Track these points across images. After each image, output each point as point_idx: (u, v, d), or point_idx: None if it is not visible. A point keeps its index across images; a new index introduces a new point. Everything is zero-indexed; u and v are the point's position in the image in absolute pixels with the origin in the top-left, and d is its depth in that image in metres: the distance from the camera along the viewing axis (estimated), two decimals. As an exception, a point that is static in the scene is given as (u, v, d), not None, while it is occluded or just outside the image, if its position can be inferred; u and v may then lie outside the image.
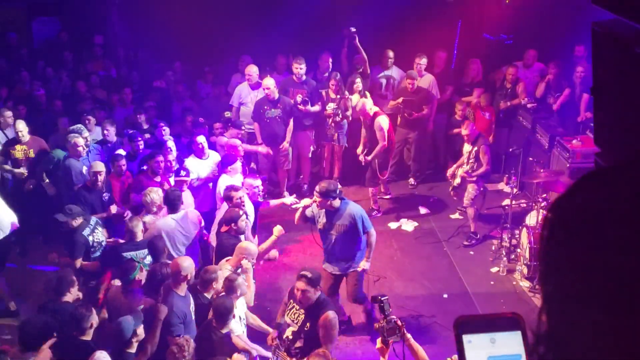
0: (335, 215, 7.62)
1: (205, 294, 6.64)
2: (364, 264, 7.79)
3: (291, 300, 6.43)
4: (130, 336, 5.95)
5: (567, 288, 0.97)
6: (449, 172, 10.17)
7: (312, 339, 6.13)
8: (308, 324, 6.20)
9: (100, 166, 8.77)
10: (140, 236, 7.64)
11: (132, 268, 6.96)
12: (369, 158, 10.40)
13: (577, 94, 11.15)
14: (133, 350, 6.00)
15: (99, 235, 8.02)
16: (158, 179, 9.04)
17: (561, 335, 0.99)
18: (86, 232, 7.89)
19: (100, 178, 8.69)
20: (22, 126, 9.82)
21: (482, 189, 9.90)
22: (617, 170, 1.01)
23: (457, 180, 9.94)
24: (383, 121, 10.19)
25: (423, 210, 10.96)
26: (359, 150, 10.70)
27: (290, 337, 6.28)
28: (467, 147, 9.81)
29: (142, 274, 7.05)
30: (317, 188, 7.64)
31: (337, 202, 7.57)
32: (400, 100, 11.14)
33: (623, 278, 0.91)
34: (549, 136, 10.39)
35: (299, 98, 10.79)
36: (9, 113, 10.28)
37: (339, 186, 7.80)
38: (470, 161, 9.69)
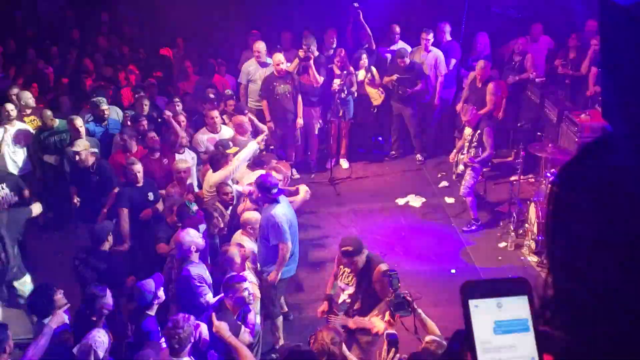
0: (263, 211, 7.25)
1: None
2: (271, 275, 7.14)
3: (341, 266, 6.35)
4: (152, 298, 6.07)
5: (573, 253, 0.98)
6: (451, 157, 10.08)
7: (370, 296, 6.13)
8: (363, 284, 6.16)
9: (79, 145, 8.52)
10: None
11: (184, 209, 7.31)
12: (482, 112, 10.15)
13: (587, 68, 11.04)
14: (153, 312, 6.12)
15: None
16: (157, 155, 8.98)
17: (567, 300, 1.00)
18: None
19: (80, 157, 8.43)
20: (26, 95, 9.93)
21: (480, 176, 9.73)
22: (624, 138, 1.01)
23: (461, 167, 9.80)
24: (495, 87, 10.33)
25: (444, 183, 10.91)
26: (459, 106, 10.79)
27: (348, 300, 6.26)
28: (468, 131, 9.60)
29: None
30: (255, 179, 7.33)
31: (267, 200, 7.11)
32: (394, 77, 11.09)
33: (630, 243, 0.91)
34: (557, 110, 10.31)
35: (301, 53, 10.71)
36: (10, 106, 9.67)
37: (278, 185, 7.18)
38: (473, 145, 9.49)
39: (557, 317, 1.03)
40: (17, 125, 9.54)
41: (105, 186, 8.59)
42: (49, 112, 9.69)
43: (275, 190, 7.05)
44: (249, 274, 6.78)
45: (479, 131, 9.42)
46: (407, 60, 11.00)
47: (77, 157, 8.50)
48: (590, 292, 0.96)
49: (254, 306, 6.48)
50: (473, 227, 9.70)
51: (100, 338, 5.55)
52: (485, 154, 9.43)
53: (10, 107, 9.41)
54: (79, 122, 9.16)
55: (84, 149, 8.55)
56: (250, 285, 6.34)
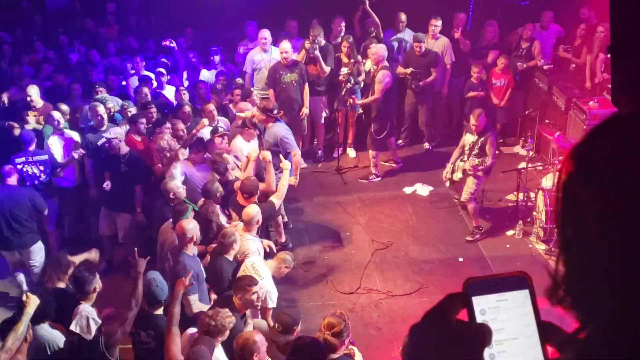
0: (266, 132, 8.73)
1: (227, 256, 6.75)
2: (291, 179, 8.45)
3: None
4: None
5: (586, 231, 0.99)
6: (445, 173, 9.58)
7: None
8: None
9: (114, 132, 8.60)
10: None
11: (184, 210, 7.18)
12: (359, 102, 10.47)
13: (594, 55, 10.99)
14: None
15: (33, 169, 8.49)
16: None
17: (579, 278, 1.01)
18: (19, 159, 8.43)
19: (111, 144, 8.44)
20: (33, 91, 9.71)
21: (481, 184, 9.33)
22: (636, 116, 1.02)
23: (459, 175, 9.27)
24: (385, 76, 10.17)
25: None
26: None
27: None
28: (469, 138, 9.08)
29: (192, 215, 7.20)
30: (257, 105, 9.01)
31: (271, 120, 8.66)
32: (408, 71, 11.06)
33: None
34: (565, 98, 10.27)
35: (306, 44, 10.68)
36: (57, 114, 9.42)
37: (277, 109, 8.81)
38: (474, 152, 9.03)
39: (568, 297, 1.04)
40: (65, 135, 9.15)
41: (135, 178, 8.55)
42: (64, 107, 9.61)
43: (275, 111, 8.71)
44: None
45: (482, 139, 8.96)
46: (423, 47, 10.95)
47: (109, 145, 8.45)
48: (602, 271, 0.97)
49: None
50: (477, 237, 9.28)
51: (87, 308, 5.63)
52: (489, 163, 9.00)
53: (57, 114, 9.03)
54: (101, 109, 9.12)
55: (115, 136, 8.53)
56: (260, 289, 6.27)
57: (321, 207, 10.11)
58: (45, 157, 8.68)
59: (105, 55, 12.23)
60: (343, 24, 11.32)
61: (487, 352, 1.11)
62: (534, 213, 9.22)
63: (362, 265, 8.71)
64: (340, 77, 10.75)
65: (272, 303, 6.64)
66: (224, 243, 6.66)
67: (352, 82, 10.61)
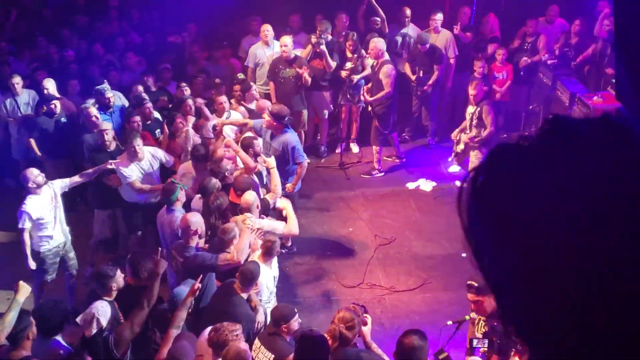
0: (275, 138, 8.44)
1: (227, 251, 6.70)
2: (289, 186, 8.50)
3: (472, 314, 5.72)
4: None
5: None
6: (453, 134, 9.94)
7: (508, 347, 5.46)
8: (496, 333, 5.50)
9: (105, 124, 8.68)
10: None
11: (173, 189, 7.28)
12: (370, 99, 10.38)
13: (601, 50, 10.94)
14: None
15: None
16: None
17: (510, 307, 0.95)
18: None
19: (107, 137, 8.45)
20: (49, 84, 9.74)
21: None
22: (527, 142, 0.96)
23: (461, 147, 9.63)
24: (391, 69, 10.18)
25: (454, 168, 10.81)
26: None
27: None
28: (470, 109, 9.50)
29: (182, 193, 7.35)
30: (269, 108, 8.62)
31: (280, 127, 8.39)
32: (413, 77, 11.13)
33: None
34: (569, 93, 10.23)
35: (313, 39, 10.64)
36: (18, 79, 10.00)
37: (288, 115, 8.63)
38: (474, 123, 9.36)
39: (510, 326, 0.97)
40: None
41: None
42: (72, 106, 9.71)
43: (287, 119, 8.46)
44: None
45: (478, 109, 9.30)
46: (428, 46, 10.92)
47: (104, 137, 8.47)
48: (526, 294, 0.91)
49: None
50: None
51: (103, 308, 5.57)
52: (487, 133, 9.25)
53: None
54: (93, 110, 9.07)
55: (108, 127, 8.65)
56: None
57: (324, 203, 10.09)
58: None
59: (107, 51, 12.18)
60: (347, 19, 11.27)
61: None
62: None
63: (365, 260, 8.69)
64: (343, 74, 10.71)
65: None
66: (224, 239, 6.62)
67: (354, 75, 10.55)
